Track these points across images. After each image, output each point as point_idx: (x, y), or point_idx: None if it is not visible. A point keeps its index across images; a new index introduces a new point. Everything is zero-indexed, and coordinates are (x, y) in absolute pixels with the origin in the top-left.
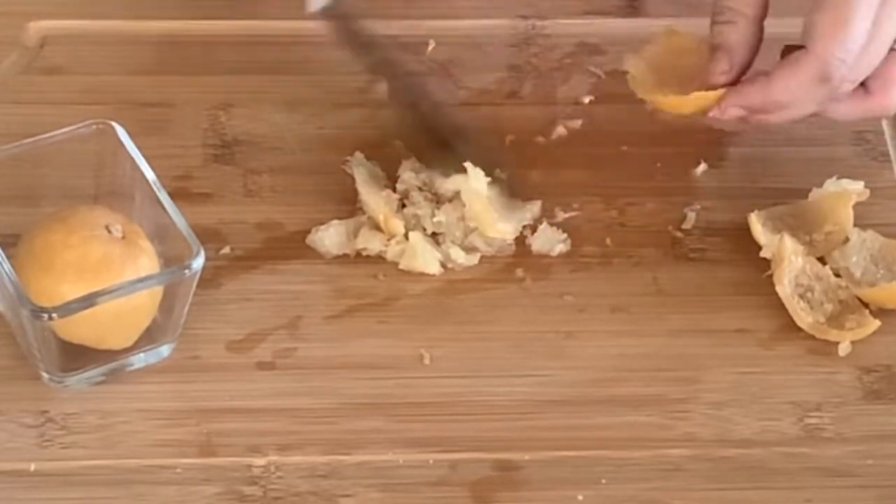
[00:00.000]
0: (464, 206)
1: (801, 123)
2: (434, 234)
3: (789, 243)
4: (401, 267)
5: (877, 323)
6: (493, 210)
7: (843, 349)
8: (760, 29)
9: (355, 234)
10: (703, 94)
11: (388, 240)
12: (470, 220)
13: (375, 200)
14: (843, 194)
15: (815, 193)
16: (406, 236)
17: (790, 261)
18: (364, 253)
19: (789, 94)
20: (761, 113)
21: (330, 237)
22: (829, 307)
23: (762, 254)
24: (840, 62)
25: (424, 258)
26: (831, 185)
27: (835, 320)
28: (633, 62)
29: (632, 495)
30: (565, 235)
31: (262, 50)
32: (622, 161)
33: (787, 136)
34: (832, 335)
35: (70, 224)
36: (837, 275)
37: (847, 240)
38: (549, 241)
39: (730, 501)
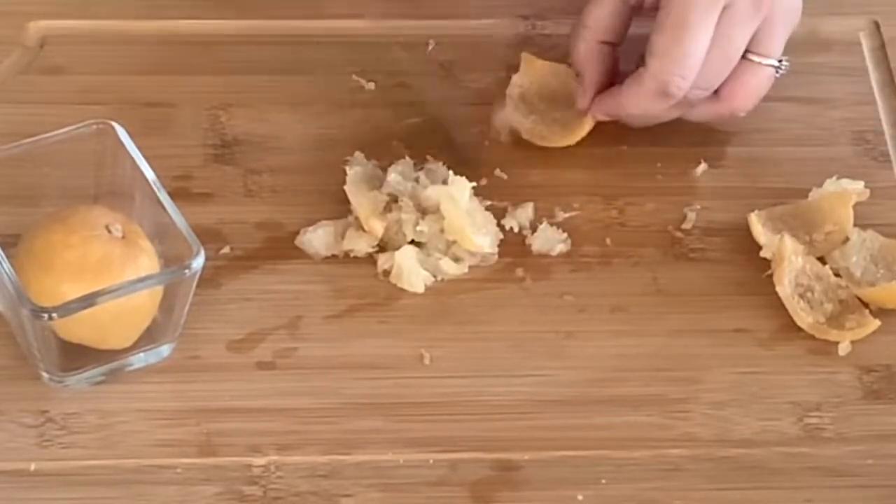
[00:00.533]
0: (443, 218)
1: (801, 123)
2: (417, 243)
3: (789, 243)
4: (391, 280)
5: (877, 323)
6: (472, 223)
7: (843, 349)
8: (610, 51)
9: (343, 235)
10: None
11: (375, 244)
12: (448, 234)
13: (360, 200)
14: (842, 194)
15: (814, 193)
16: (384, 243)
17: (790, 261)
18: (352, 254)
19: (638, 107)
20: (625, 119)
21: (318, 238)
22: (829, 307)
23: (762, 254)
24: (679, 78)
25: (409, 280)
26: (831, 185)
27: (835, 320)
28: (500, 115)
29: (632, 495)
30: (565, 235)
31: (262, 50)
32: (622, 161)
33: (787, 136)
34: (832, 335)
35: (70, 224)
36: (837, 275)
37: (847, 240)
38: (549, 241)
39: (730, 501)
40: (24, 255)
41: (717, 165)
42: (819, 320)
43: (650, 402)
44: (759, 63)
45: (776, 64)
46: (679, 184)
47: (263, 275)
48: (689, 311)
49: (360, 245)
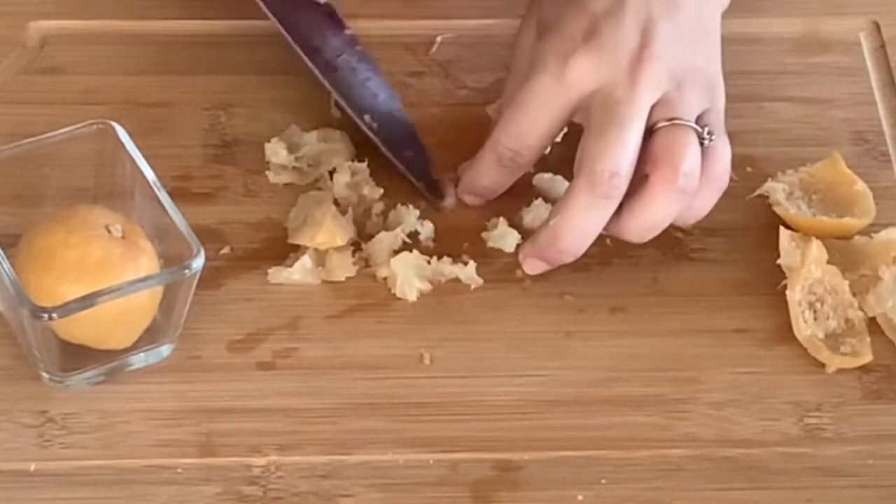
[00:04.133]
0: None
1: (801, 123)
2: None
3: (815, 251)
4: (388, 286)
5: (869, 357)
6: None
7: (830, 370)
8: None
9: (321, 262)
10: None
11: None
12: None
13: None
14: (888, 244)
15: (862, 239)
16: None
17: (809, 269)
18: (329, 280)
19: (485, 177)
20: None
21: (297, 273)
22: (832, 324)
23: (779, 261)
24: (507, 149)
25: (402, 289)
26: (885, 233)
27: (832, 339)
28: (779, 185)
29: (632, 495)
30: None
31: (262, 50)
32: None
33: (787, 136)
34: (822, 356)
35: (70, 224)
36: (861, 309)
37: (879, 279)
38: (542, 217)
39: (730, 501)
40: (24, 255)
41: None
42: (817, 335)
43: (650, 402)
44: (670, 127)
45: (693, 126)
46: None
47: (263, 275)
48: (689, 311)
49: (338, 274)
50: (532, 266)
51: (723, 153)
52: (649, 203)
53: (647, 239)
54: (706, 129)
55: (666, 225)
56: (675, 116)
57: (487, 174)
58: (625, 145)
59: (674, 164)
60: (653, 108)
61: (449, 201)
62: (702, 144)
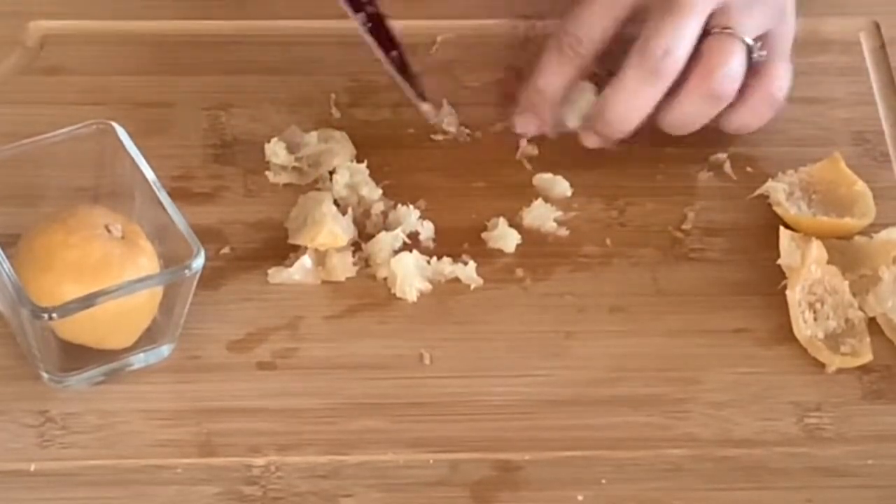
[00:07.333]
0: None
1: (801, 123)
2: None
3: (815, 251)
4: (388, 286)
5: (869, 356)
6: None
7: (830, 370)
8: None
9: (321, 262)
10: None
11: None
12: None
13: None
14: (888, 243)
15: (863, 239)
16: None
17: (809, 269)
18: (329, 280)
19: (549, 75)
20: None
21: (297, 272)
22: (832, 324)
23: (779, 261)
24: (572, 37)
25: (402, 289)
26: (885, 233)
27: (832, 339)
28: (779, 184)
29: (632, 495)
30: (560, 213)
31: (262, 50)
32: (622, 161)
33: (787, 137)
34: (823, 356)
35: (70, 224)
36: (861, 309)
37: (879, 279)
38: (542, 217)
39: (730, 501)
40: (24, 255)
41: (717, 165)
42: (817, 335)
43: (650, 402)
44: (720, 34)
45: (744, 39)
46: (679, 184)
47: (263, 275)
48: (689, 311)
49: (338, 274)
50: (589, 140)
51: (781, 73)
52: (684, 97)
53: (684, 132)
54: (759, 45)
55: (699, 125)
56: (730, 26)
57: (547, 67)
58: (680, 30)
59: (711, 66)
60: (713, 14)
61: (426, 107)
62: (751, 59)
